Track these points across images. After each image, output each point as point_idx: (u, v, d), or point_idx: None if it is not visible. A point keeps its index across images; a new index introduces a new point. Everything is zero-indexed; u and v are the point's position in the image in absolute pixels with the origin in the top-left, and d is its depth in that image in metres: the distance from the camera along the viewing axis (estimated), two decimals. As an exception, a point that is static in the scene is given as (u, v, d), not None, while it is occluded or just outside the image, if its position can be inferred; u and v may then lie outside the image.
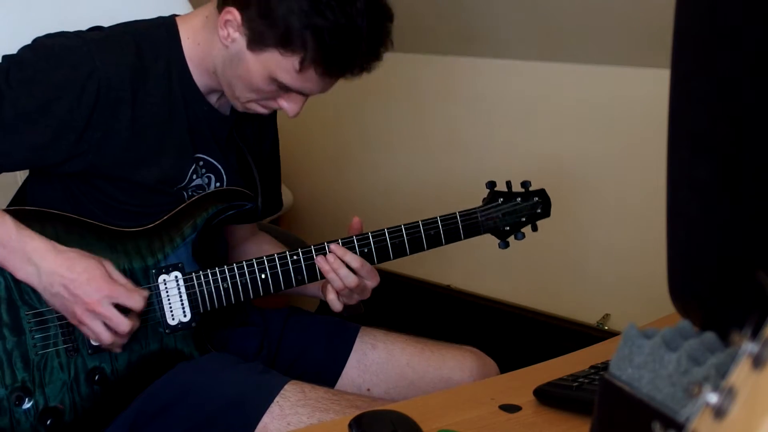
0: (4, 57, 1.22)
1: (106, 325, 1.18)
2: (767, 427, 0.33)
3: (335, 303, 1.33)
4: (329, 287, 1.32)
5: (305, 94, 1.25)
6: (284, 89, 1.23)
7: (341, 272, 1.30)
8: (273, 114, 1.51)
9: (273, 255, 1.31)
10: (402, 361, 1.41)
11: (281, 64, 1.19)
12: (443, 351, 1.43)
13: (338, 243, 1.32)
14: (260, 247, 1.51)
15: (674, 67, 0.65)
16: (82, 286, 1.16)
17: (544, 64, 2.42)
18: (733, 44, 0.61)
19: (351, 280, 1.30)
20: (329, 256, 1.31)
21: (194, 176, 1.32)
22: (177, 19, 1.31)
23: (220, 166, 1.36)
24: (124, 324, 1.18)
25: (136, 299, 1.19)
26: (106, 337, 1.19)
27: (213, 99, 1.34)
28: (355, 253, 1.32)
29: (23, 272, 1.17)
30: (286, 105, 1.26)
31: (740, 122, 0.61)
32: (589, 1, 2.15)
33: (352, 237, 1.34)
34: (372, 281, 1.33)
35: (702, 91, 0.63)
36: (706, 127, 0.63)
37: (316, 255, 1.32)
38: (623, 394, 0.57)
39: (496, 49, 2.50)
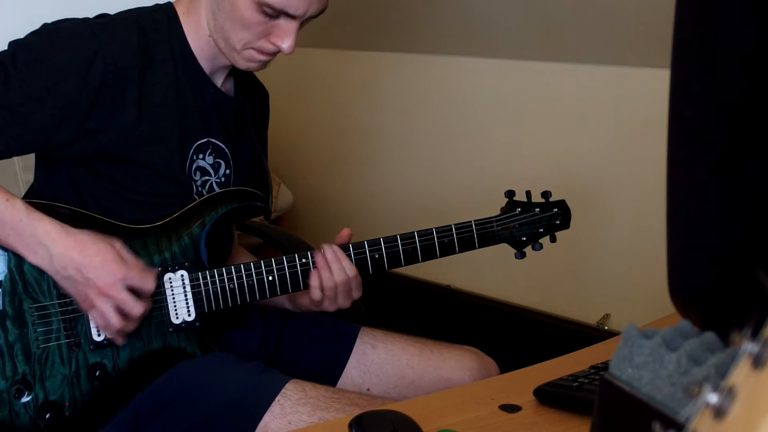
0: (11, 42, 1.24)
1: (118, 309, 1.18)
2: (767, 427, 0.33)
3: (317, 291, 1.32)
4: (314, 275, 1.32)
5: (291, 16, 1.24)
6: (272, 16, 1.23)
7: (335, 266, 1.31)
8: (266, 103, 1.51)
9: (281, 257, 1.32)
10: (402, 361, 1.41)
11: None
12: (443, 351, 1.43)
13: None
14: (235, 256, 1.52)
15: (674, 67, 0.65)
16: (96, 270, 1.16)
17: (544, 64, 2.42)
18: (732, 44, 0.61)
19: (342, 276, 1.31)
20: (327, 252, 1.31)
21: (194, 156, 1.32)
22: (173, 2, 1.34)
23: (228, 152, 1.36)
24: (137, 307, 1.18)
25: (148, 281, 1.20)
26: (116, 321, 1.18)
27: (219, 81, 1.35)
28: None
29: (34, 256, 1.17)
30: (279, 41, 1.26)
31: (740, 122, 0.61)
32: (589, 1, 2.15)
33: (363, 242, 1.35)
34: (357, 292, 1.35)
35: (702, 91, 0.63)
36: (706, 127, 0.63)
37: (313, 253, 1.32)
38: (623, 394, 0.58)
39: (496, 49, 2.50)
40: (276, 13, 1.23)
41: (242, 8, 1.23)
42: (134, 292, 1.19)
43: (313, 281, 1.32)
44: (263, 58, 1.29)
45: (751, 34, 0.60)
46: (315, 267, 1.32)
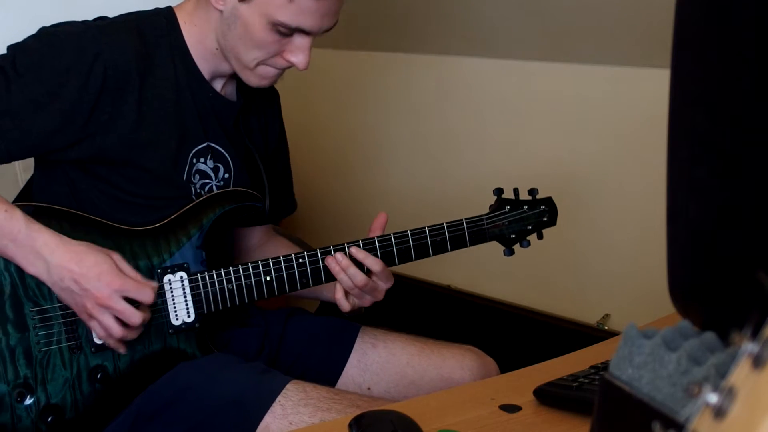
0: (10, 46, 1.23)
1: (117, 318, 1.18)
2: (767, 427, 0.33)
3: (343, 303, 1.33)
4: (337, 287, 1.32)
5: (306, 33, 1.24)
6: (286, 34, 1.23)
7: (350, 271, 1.30)
8: (277, 106, 1.51)
9: (278, 257, 1.32)
10: (402, 361, 1.41)
11: (273, 1, 1.19)
12: (443, 350, 1.43)
13: (359, 245, 1.33)
14: (277, 251, 1.51)
15: (674, 67, 0.65)
16: (92, 281, 1.16)
17: (544, 64, 2.42)
18: (733, 44, 0.61)
19: (360, 278, 1.30)
20: (337, 255, 1.31)
21: (194, 159, 1.32)
22: (174, 8, 1.33)
23: (228, 156, 1.36)
24: (135, 316, 1.18)
25: (146, 292, 1.20)
26: (117, 330, 1.19)
27: (218, 86, 1.35)
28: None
29: (33, 267, 1.17)
30: (293, 57, 1.26)
31: (740, 121, 0.61)
32: (589, 1, 2.15)
33: (358, 242, 1.35)
34: (387, 283, 1.34)
35: (702, 91, 0.63)
36: (706, 127, 0.63)
37: (322, 257, 1.32)
38: (623, 394, 0.57)
39: (496, 49, 2.50)
40: (290, 32, 1.23)
41: (256, 29, 1.22)
42: (132, 302, 1.19)
43: (338, 294, 1.32)
44: (276, 72, 1.29)
45: (751, 34, 0.60)
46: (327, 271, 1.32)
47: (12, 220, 1.17)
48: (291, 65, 1.27)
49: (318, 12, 1.21)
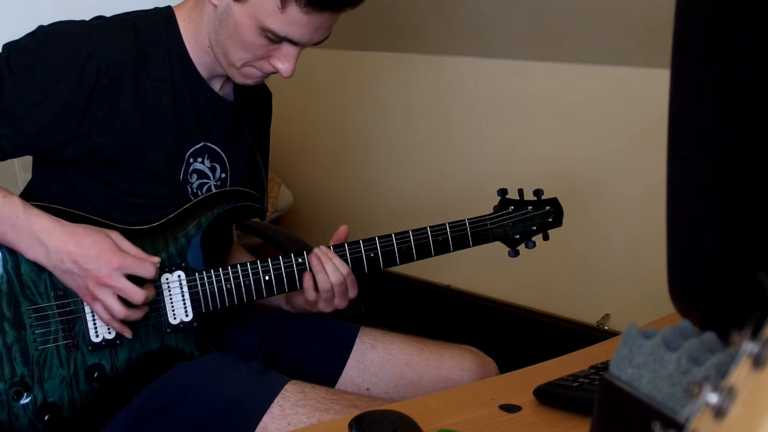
0: (5, 44, 1.24)
1: (120, 298, 1.18)
2: (767, 427, 0.33)
3: (311, 292, 1.32)
4: (306, 278, 1.32)
5: (295, 43, 1.23)
6: (274, 41, 1.23)
7: (328, 267, 1.31)
8: (269, 103, 1.51)
9: (278, 257, 1.32)
10: (401, 361, 1.41)
11: (265, 7, 1.19)
12: (442, 350, 1.43)
13: (329, 247, 1.34)
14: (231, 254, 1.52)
15: (674, 67, 0.65)
16: (92, 261, 1.16)
17: (544, 64, 2.42)
18: (733, 44, 0.61)
19: (337, 276, 1.31)
20: (318, 252, 1.32)
21: (191, 159, 1.32)
22: (173, 7, 1.33)
23: (225, 156, 1.36)
24: (138, 293, 1.19)
25: (147, 267, 1.20)
26: (119, 310, 1.19)
27: (216, 86, 1.34)
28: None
29: (32, 252, 1.18)
30: (279, 64, 1.25)
31: (740, 122, 0.61)
32: (589, 1, 2.15)
33: (359, 241, 1.35)
34: (353, 291, 1.34)
35: (702, 91, 0.63)
36: (706, 127, 0.63)
37: (308, 254, 1.32)
38: (623, 394, 0.57)
39: (495, 49, 2.50)
40: (278, 39, 1.23)
41: (245, 31, 1.22)
42: (136, 281, 1.19)
43: (307, 282, 1.32)
44: (261, 75, 1.29)
45: (751, 34, 0.60)
46: (310, 269, 1.32)
47: (10, 206, 1.17)
48: (276, 71, 1.27)
49: (308, 25, 1.20)
